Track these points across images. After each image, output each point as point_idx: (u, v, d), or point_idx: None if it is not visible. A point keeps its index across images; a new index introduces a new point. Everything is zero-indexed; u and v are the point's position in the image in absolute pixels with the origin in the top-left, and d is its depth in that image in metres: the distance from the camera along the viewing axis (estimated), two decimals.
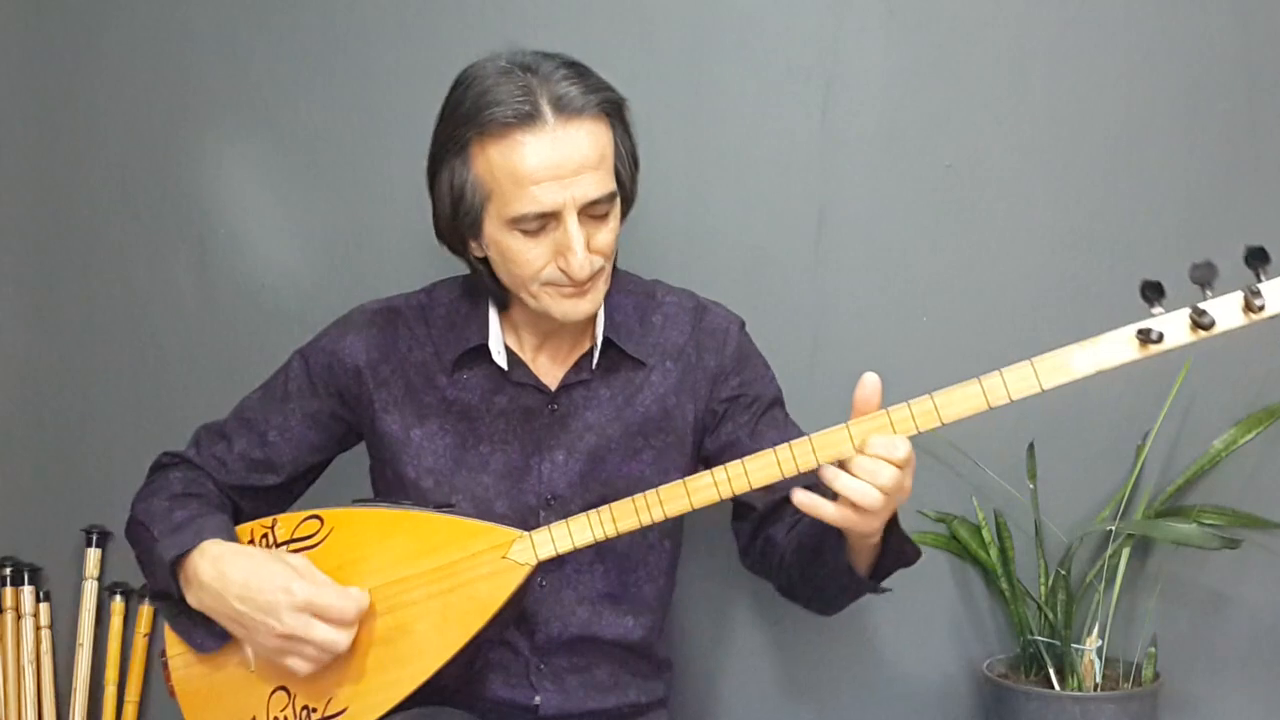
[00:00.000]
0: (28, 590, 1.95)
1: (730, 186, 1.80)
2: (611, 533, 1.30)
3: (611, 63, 1.80)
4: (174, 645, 1.46)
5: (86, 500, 1.94)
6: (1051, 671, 1.63)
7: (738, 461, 1.26)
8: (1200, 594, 1.72)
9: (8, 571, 1.95)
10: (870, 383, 1.23)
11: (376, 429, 1.49)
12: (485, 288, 1.47)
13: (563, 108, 1.33)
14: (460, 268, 1.51)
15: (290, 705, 1.38)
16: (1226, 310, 1.17)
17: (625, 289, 1.52)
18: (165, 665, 1.47)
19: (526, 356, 1.48)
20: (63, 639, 1.97)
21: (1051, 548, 1.69)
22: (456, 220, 1.40)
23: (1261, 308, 1.16)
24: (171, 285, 1.93)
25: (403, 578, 1.35)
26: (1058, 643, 1.63)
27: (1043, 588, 1.67)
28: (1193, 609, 1.72)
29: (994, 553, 1.69)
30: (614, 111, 1.39)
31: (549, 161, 1.32)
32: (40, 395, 1.99)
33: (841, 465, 1.22)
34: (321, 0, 1.89)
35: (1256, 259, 1.15)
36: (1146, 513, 1.67)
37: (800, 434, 1.31)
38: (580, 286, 1.37)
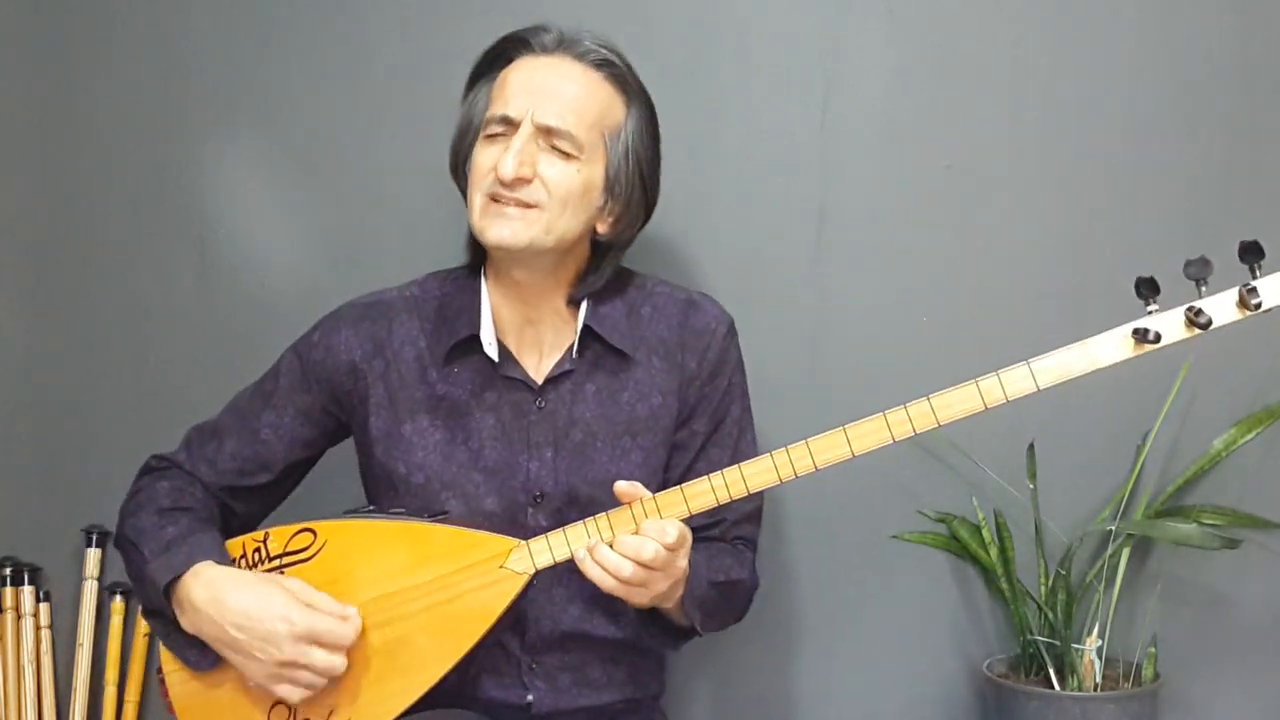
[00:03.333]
0: (28, 590, 1.95)
1: (730, 186, 1.80)
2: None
3: None
4: (169, 662, 1.45)
5: (86, 500, 1.94)
6: (1051, 671, 1.63)
7: (735, 467, 1.29)
8: (1200, 594, 1.72)
9: (8, 571, 1.95)
10: (620, 490, 1.29)
11: (367, 425, 1.49)
12: (473, 263, 1.51)
13: (565, 46, 1.44)
14: (448, 262, 1.54)
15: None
16: (1222, 307, 1.17)
17: (617, 289, 1.51)
18: (162, 681, 1.47)
19: (512, 348, 1.48)
20: (63, 639, 1.97)
21: (1051, 548, 1.69)
22: (462, 136, 1.47)
23: (1259, 305, 1.15)
24: (171, 285, 1.93)
25: (400, 589, 1.36)
26: (1058, 643, 1.63)
27: (1043, 588, 1.67)
28: (1193, 609, 1.72)
29: (994, 553, 1.69)
30: (621, 84, 1.45)
31: (530, 76, 1.42)
32: (40, 395, 1.99)
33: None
34: (321, 1, 1.89)
35: (1251, 254, 1.15)
36: (1146, 513, 1.67)
37: (751, 449, 1.50)
38: (506, 198, 1.39)
